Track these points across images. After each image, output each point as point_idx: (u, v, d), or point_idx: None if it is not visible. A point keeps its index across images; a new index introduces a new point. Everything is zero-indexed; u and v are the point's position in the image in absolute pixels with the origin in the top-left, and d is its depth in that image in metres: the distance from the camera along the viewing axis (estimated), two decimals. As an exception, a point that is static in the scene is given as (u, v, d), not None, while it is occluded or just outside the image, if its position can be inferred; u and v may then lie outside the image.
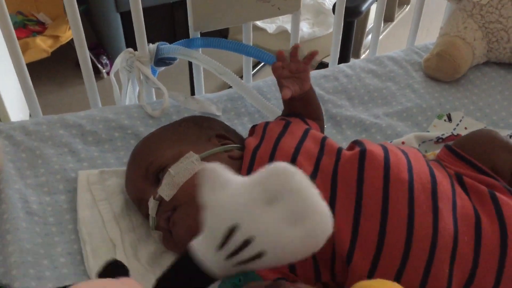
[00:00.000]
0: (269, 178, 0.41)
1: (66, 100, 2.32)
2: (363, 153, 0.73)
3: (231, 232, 0.40)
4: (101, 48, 2.51)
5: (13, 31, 1.03)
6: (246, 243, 0.39)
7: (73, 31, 1.06)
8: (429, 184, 0.71)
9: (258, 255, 0.40)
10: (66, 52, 2.31)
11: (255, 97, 1.11)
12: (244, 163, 0.80)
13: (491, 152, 0.79)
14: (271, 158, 0.78)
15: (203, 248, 0.42)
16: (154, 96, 1.22)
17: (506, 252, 0.66)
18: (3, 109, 1.41)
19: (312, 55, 0.89)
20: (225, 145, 0.85)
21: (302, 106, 0.94)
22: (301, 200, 0.41)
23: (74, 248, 0.82)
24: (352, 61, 1.34)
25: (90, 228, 0.84)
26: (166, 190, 0.76)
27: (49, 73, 2.53)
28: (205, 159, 0.80)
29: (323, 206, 0.42)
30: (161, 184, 0.77)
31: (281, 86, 0.90)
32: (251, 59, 1.27)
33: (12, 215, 0.82)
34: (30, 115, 1.19)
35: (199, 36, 1.18)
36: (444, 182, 0.73)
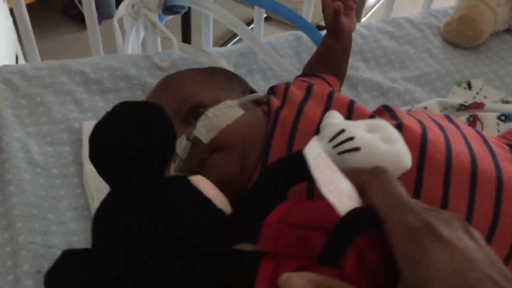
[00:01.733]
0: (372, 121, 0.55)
1: (51, 50, 2.20)
2: (399, 128, 0.68)
3: (339, 132, 0.53)
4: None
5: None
6: (348, 139, 0.52)
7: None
8: (468, 164, 0.66)
9: (356, 149, 0.51)
10: (52, -1, 2.19)
11: (269, 53, 1.05)
12: (269, 122, 0.75)
13: None
14: (295, 124, 0.72)
15: (317, 142, 0.53)
16: (160, 46, 1.14)
17: None
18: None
19: None
20: (258, 94, 0.80)
21: (339, 53, 0.90)
22: (393, 133, 0.54)
23: (81, 202, 0.77)
24: (368, 21, 1.28)
25: (98, 182, 0.78)
26: (204, 132, 0.70)
27: (34, 21, 2.41)
28: (243, 108, 0.75)
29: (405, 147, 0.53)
30: (195, 125, 0.71)
31: (328, 12, 0.87)
32: (263, 12, 1.20)
33: (14, 165, 0.76)
34: (18, 58, 1.11)
35: (212, -16, 1.10)
36: (485, 162, 0.68)
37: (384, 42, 1.18)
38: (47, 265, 0.66)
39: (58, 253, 0.68)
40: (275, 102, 0.78)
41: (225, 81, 0.81)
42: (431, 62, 1.14)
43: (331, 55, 0.90)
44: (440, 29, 1.23)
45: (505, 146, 0.73)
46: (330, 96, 0.78)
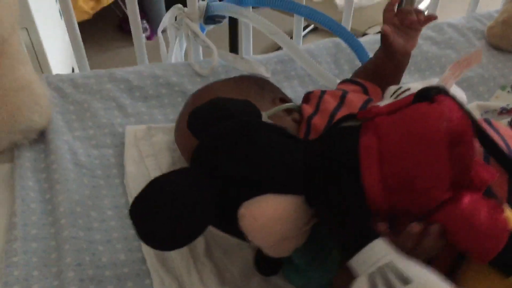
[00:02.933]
0: None
1: (107, 63, 2.31)
2: None
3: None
4: (141, 12, 2.49)
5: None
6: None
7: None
8: None
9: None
10: (107, 15, 2.29)
11: (307, 60, 1.06)
12: (300, 129, 0.76)
13: None
14: None
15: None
16: (201, 55, 1.19)
17: None
18: (46, 65, 1.41)
19: (431, 18, 0.84)
20: (289, 104, 0.81)
21: (388, 70, 0.86)
22: None
23: (122, 202, 0.81)
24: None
25: (137, 183, 0.82)
26: None
27: (90, 35, 2.53)
28: (271, 118, 0.77)
29: None
30: None
31: (385, 29, 0.83)
32: (302, 20, 1.22)
33: (61, 166, 0.81)
34: (74, 71, 1.18)
35: (251, -7, 1.13)
36: None
37: (425, 47, 1.17)
38: (88, 258, 0.71)
39: (100, 248, 0.73)
40: (308, 109, 0.79)
41: (256, 90, 0.83)
42: (474, 67, 1.12)
43: (380, 70, 0.88)
44: (484, 33, 1.20)
45: None
46: (365, 104, 0.78)
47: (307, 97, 0.85)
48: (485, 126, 0.74)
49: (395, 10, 0.85)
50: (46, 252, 0.72)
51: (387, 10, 0.85)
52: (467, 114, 0.58)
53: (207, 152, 0.58)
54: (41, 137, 0.88)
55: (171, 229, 0.51)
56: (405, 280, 0.46)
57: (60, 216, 0.75)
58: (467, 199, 0.51)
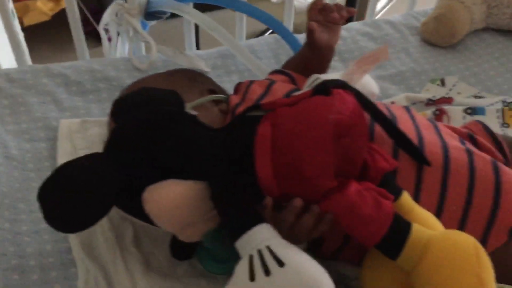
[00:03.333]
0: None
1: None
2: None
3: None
4: (102, 10, 2.47)
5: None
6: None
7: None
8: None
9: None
10: (66, 17, 2.27)
11: (245, 55, 1.08)
12: (227, 119, 0.78)
13: None
14: None
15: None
16: (144, 51, 1.20)
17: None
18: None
19: (350, 11, 0.87)
20: (215, 96, 0.83)
21: (313, 63, 0.90)
22: None
23: (52, 194, 0.81)
24: (349, 24, 1.30)
25: (69, 175, 0.82)
26: None
27: (49, 37, 2.50)
28: (197, 109, 0.78)
29: None
30: None
31: (310, 27, 0.86)
32: (244, 16, 1.25)
33: (-10, 159, 0.81)
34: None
35: (191, -10, 1.15)
36: (433, 142, 0.71)
37: (363, 43, 1.21)
38: (12, 249, 0.71)
39: (26, 238, 0.73)
40: (235, 99, 0.81)
41: (186, 82, 0.85)
42: (407, 61, 1.16)
43: (306, 62, 0.91)
44: (419, 30, 1.25)
45: (456, 135, 0.75)
46: (288, 94, 0.81)
47: (236, 88, 0.87)
48: (403, 114, 0.77)
49: (320, 10, 0.87)
50: (-29, 243, 0.72)
51: (312, 8, 0.88)
52: (369, 107, 0.62)
53: (117, 139, 0.59)
54: (-29, 131, 0.87)
55: (73, 212, 0.53)
56: (280, 263, 0.49)
57: (-14, 208, 0.75)
58: (353, 188, 0.55)
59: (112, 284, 0.69)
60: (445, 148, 0.70)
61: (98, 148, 0.87)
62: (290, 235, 0.57)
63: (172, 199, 0.55)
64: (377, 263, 0.60)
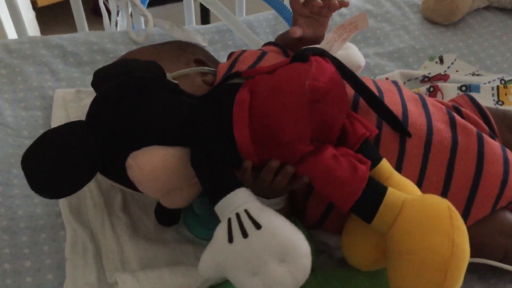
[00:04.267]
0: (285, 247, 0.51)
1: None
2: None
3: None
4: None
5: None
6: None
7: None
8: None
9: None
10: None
11: (242, 29, 1.08)
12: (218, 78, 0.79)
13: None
14: None
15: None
16: (143, 25, 1.20)
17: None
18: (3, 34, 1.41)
19: (342, 4, 0.80)
20: (201, 67, 0.83)
21: (305, 44, 0.85)
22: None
23: (45, 160, 0.83)
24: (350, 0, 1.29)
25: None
26: None
27: (63, 18, 2.51)
28: (179, 79, 0.79)
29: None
30: None
31: (294, 23, 0.83)
32: (244, -8, 1.24)
33: (-15, 125, 0.83)
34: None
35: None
36: (417, 118, 0.71)
37: (362, 20, 1.20)
38: (3, 211, 0.73)
39: (17, 201, 0.75)
40: (223, 67, 0.81)
41: (174, 53, 0.85)
42: (406, 38, 1.15)
43: (293, 46, 0.86)
44: (420, 7, 1.23)
45: (443, 107, 0.75)
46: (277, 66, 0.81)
47: (228, 57, 0.87)
48: (387, 86, 0.77)
49: (304, 2, 0.82)
50: (-37, 204, 0.74)
51: (294, 2, 0.83)
52: (348, 76, 0.61)
53: (97, 106, 0.60)
54: (-32, 98, 0.89)
55: (55, 178, 0.55)
56: (257, 225, 0.50)
57: (-21, 171, 0.77)
58: (328, 152, 0.55)
59: (99, 247, 0.71)
60: (429, 121, 0.71)
61: (92, 118, 0.89)
62: (269, 191, 0.59)
63: (156, 165, 0.56)
64: (355, 228, 0.61)
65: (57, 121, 0.88)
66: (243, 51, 0.86)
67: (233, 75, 0.64)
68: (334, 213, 0.69)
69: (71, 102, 0.91)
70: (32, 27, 1.64)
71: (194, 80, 0.79)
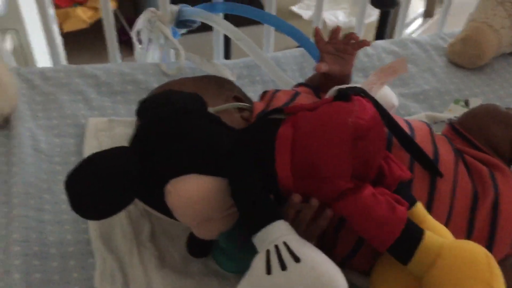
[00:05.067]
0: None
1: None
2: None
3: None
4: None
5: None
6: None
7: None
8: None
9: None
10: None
11: (270, 66, 1.11)
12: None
13: (486, 127, 0.77)
14: None
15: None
16: (173, 57, 1.23)
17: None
18: (31, 59, 1.46)
19: (364, 43, 0.84)
20: (239, 103, 0.85)
21: (332, 85, 0.90)
22: None
23: (76, 187, 0.84)
24: (376, 41, 1.32)
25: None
26: None
27: (86, 44, 2.59)
28: (219, 113, 0.81)
29: None
30: None
31: (321, 60, 0.86)
32: (272, 29, 1.27)
33: (21, 150, 0.85)
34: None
35: (221, 1, 1.19)
36: (447, 158, 0.72)
37: (388, 61, 1.22)
38: (35, 236, 0.74)
39: (48, 227, 0.76)
40: (259, 106, 0.83)
41: (213, 88, 0.87)
42: (432, 81, 1.17)
43: (322, 86, 0.90)
44: (445, 50, 1.25)
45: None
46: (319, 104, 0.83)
47: (262, 96, 0.89)
48: (422, 127, 0.78)
49: (329, 40, 0.86)
50: (-4, 228, 0.75)
51: (319, 40, 0.87)
52: (385, 116, 0.63)
53: (142, 132, 0.62)
54: (5, 123, 0.92)
55: (96, 199, 0.56)
56: (296, 258, 0.51)
57: (13, 195, 0.78)
58: (368, 191, 0.56)
59: (127, 276, 0.71)
60: (455, 163, 0.72)
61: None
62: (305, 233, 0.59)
63: (193, 193, 0.57)
64: (387, 269, 0.61)
65: (89, 149, 0.90)
66: (276, 90, 0.88)
67: (275, 111, 0.66)
68: (364, 249, 0.69)
69: (103, 131, 0.93)
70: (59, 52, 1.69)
71: (233, 115, 0.81)
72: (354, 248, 0.69)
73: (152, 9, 1.17)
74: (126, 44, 2.50)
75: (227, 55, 1.96)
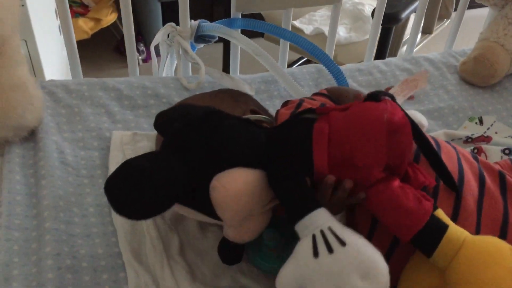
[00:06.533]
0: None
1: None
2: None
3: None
4: (139, 35, 2.55)
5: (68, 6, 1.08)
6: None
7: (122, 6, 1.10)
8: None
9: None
10: (105, 36, 2.35)
11: (289, 81, 1.12)
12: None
13: None
14: None
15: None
16: (191, 71, 1.25)
17: None
18: (42, 77, 1.46)
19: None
20: (257, 115, 0.87)
21: None
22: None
23: (103, 201, 0.85)
24: (388, 58, 1.34)
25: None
26: None
27: (88, 55, 2.59)
28: None
29: None
30: None
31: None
32: (288, 45, 1.29)
33: (48, 163, 0.86)
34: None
35: (240, 17, 1.21)
36: (471, 178, 0.74)
37: (402, 78, 1.24)
38: (67, 249, 0.75)
39: (79, 241, 0.77)
40: (285, 112, 0.85)
41: (229, 102, 0.89)
42: (445, 98, 1.19)
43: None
44: (457, 69, 1.28)
45: (495, 170, 0.77)
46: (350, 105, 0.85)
47: (284, 104, 0.90)
48: (447, 144, 0.80)
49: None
50: (27, 241, 0.76)
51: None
52: (414, 127, 0.66)
53: (180, 134, 0.64)
54: (31, 135, 0.92)
55: (141, 200, 0.57)
56: (342, 242, 0.55)
57: (43, 208, 0.79)
58: (397, 182, 0.60)
59: (159, 289, 0.72)
60: (482, 182, 0.73)
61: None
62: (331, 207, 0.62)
63: (239, 186, 0.59)
64: (414, 272, 0.63)
65: (114, 162, 0.91)
66: (301, 100, 0.89)
67: (306, 111, 0.68)
68: (396, 254, 0.69)
69: (127, 144, 0.94)
70: (64, 64, 1.70)
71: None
72: (387, 252, 0.69)
73: (171, 24, 1.18)
74: (126, 56, 2.53)
75: (226, 68, 1.99)
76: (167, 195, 0.59)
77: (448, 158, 0.74)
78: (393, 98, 0.68)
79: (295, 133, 0.65)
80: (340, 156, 0.61)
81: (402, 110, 0.67)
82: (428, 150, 0.70)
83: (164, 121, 0.73)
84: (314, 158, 0.61)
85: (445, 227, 0.59)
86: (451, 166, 0.72)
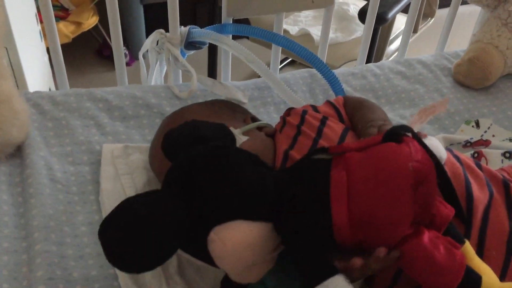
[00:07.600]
0: None
1: (84, 86, 2.30)
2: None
3: None
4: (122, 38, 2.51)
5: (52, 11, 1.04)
6: None
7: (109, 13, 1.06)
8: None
9: None
10: (86, 40, 2.30)
11: (282, 87, 1.10)
12: (280, 139, 0.80)
13: None
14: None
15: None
16: (181, 79, 1.21)
17: None
18: (24, 85, 1.41)
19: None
20: (261, 122, 0.85)
21: None
22: None
23: (95, 218, 0.81)
24: (381, 61, 1.33)
25: (112, 200, 0.83)
26: None
27: (69, 59, 2.53)
28: (245, 134, 0.80)
29: None
30: None
31: None
32: (280, 50, 1.27)
33: (37, 181, 0.82)
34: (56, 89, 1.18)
35: (231, 22, 1.18)
36: (480, 195, 0.72)
37: (396, 81, 1.23)
38: (59, 273, 0.71)
39: (71, 263, 0.73)
40: (292, 122, 0.83)
41: (228, 112, 0.87)
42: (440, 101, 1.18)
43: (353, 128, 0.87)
44: (451, 71, 1.26)
45: (499, 179, 0.75)
46: (345, 131, 0.82)
47: (287, 113, 0.87)
48: (455, 163, 0.77)
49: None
50: (17, 265, 0.72)
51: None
52: (431, 156, 0.61)
53: (180, 176, 0.59)
54: (17, 152, 0.88)
55: (139, 252, 0.52)
56: None
57: (33, 230, 0.75)
58: (427, 235, 0.54)
59: (158, 313, 0.69)
60: (490, 194, 0.72)
61: (140, 173, 0.89)
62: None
63: (239, 241, 0.55)
64: None
65: (106, 177, 0.87)
66: (304, 111, 0.85)
67: (319, 151, 0.63)
68: (401, 283, 0.68)
69: (119, 158, 0.90)
70: (46, 70, 1.66)
71: (257, 134, 0.82)
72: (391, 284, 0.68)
73: (161, 30, 1.15)
74: (107, 59, 2.47)
75: (212, 74, 1.96)
76: (168, 247, 0.54)
77: (456, 178, 0.72)
78: (413, 132, 0.61)
79: (309, 182, 0.58)
80: (362, 213, 0.54)
81: (423, 146, 0.61)
82: (446, 188, 0.64)
83: (172, 145, 0.67)
84: (333, 214, 0.54)
85: (478, 280, 0.56)
86: (459, 187, 0.70)
